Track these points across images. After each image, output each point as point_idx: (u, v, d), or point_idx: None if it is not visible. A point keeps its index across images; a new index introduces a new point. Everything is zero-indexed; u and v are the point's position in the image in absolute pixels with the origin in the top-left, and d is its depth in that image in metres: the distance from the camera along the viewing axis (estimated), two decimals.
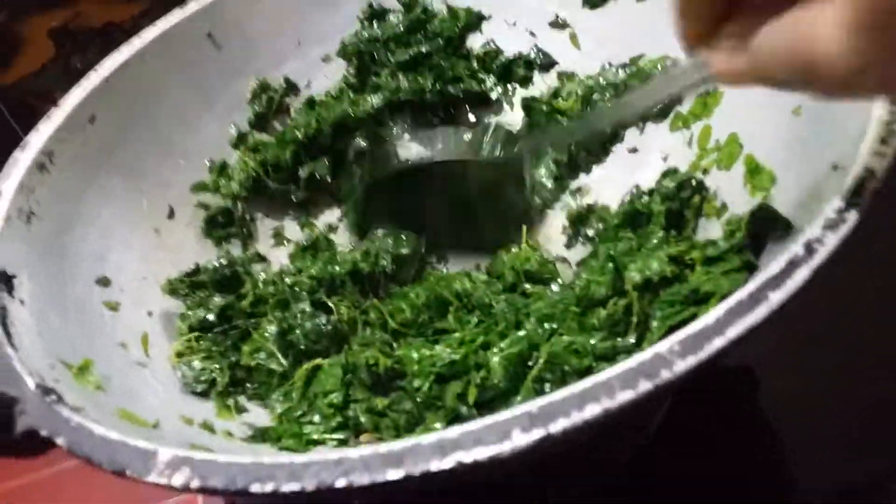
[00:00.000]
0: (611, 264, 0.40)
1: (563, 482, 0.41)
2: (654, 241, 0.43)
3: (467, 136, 0.54)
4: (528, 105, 0.59)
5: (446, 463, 0.25)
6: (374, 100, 0.60)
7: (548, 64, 0.61)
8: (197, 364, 0.44)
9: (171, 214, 0.54)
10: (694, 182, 0.46)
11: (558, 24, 0.60)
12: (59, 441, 0.31)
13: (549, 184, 0.55)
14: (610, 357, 0.37)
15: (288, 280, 0.50)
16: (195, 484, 0.27)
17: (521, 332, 0.40)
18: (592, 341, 0.38)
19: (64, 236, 0.46)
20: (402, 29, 0.63)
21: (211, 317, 0.47)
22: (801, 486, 0.46)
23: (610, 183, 0.54)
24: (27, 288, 0.40)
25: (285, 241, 0.58)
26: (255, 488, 0.26)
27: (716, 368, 0.27)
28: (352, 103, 0.59)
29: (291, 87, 0.63)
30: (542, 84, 0.61)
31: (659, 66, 0.53)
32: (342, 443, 0.39)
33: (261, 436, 0.40)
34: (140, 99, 0.54)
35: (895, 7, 0.21)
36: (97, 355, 0.39)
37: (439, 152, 0.53)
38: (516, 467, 0.28)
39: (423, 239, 0.55)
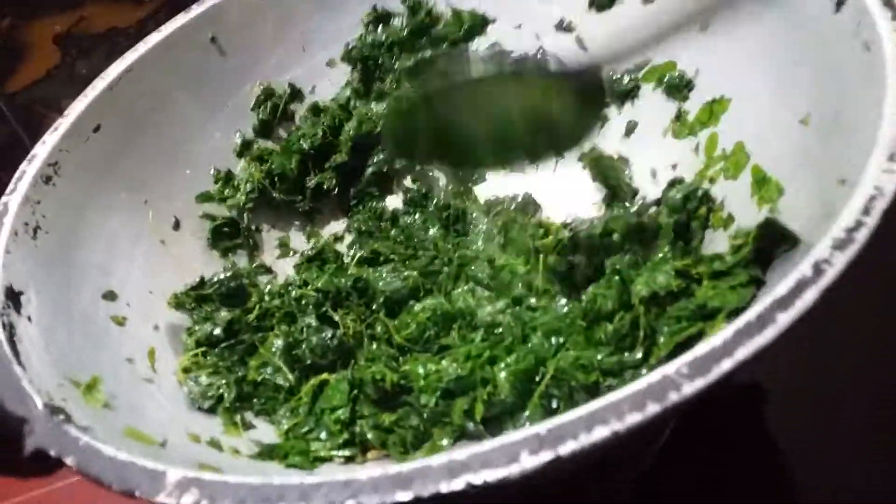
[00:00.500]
0: (617, 277, 0.40)
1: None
2: (661, 254, 0.43)
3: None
4: None
5: (456, 485, 0.25)
6: (379, 109, 0.60)
7: None
8: (204, 379, 0.44)
9: (177, 226, 0.54)
10: (700, 192, 0.46)
11: (564, 27, 0.60)
12: (69, 461, 0.31)
13: None
14: (617, 372, 0.37)
15: (294, 293, 0.50)
16: None
17: (528, 346, 0.40)
18: (599, 356, 0.38)
19: (70, 250, 0.46)
20: (406, 33, 0.63)
21: (217, 331, 0.47)
22: (807, 502, 0.46)
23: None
24: (34, 304, 0.40)
25: (291, 252, 0.58)
26: None
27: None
28: (360, 119, 0.60)
29: (296, 94, 0.63)
30: None
31: (667, 76, 0.52)
32: (349, 459, 0.40)
33: (268, 453, 0.40)
34: (144, 107, 0.55)
35: None
36: (104, 371, 0.39)
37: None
38: (525, 489, 0.28)
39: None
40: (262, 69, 0.62)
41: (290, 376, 0.44)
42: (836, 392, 0.49)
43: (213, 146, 0.59)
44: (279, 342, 0.46)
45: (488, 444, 0.26)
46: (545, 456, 0.25)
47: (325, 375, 0.44)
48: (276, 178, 0.58)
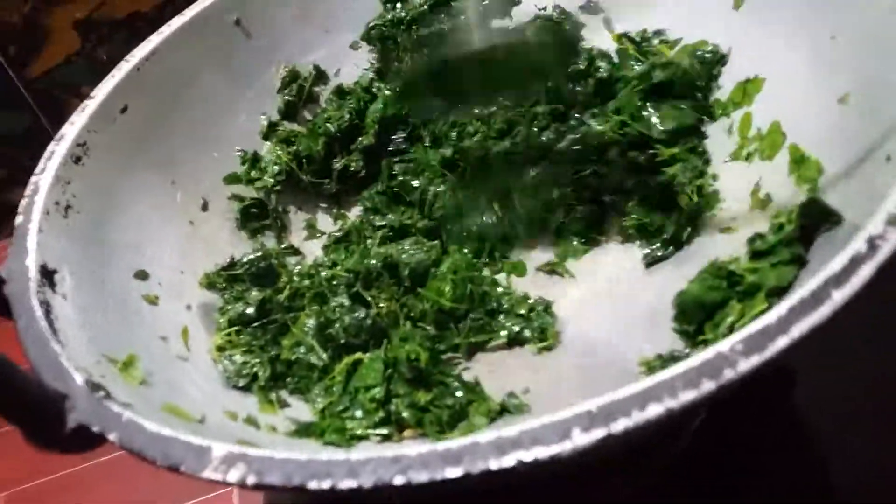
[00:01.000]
0: None
1: (603, 484, 0.41)
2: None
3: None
4: None
5: (506, 462, 0.25)
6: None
7: None
8: (238, 358, 0.44)
9: (205, 207, 0.54)
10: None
11: (590, 7, 0.60)
12: (111, 437, 0.31)
13: None
14: None
15: (324, 273, 0.50)
16: (251, 480, 0.27)
17: None
18: None
19: (101, 229, 0.45)
20: (426, 7, 0.62)
21: (250, 310, 0.47)
22: (837, 486, 0.45)
23: None
24: (68, 282, 0.40)
25: (318, 234, 0.58)
26: (313, 485, 0.26)
27: None
28: (385, 101, 0.59)
29: (321, 76, 0.63)
30: None
31: (698, 52, 0.52)
32: (385, 438, 0.39)
33: (304, 431, 0.40)
34: (171, 88, 0.54)
35: None
36: (139, 349, 0.39)
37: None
38: (570, 468, 0.27)
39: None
40: (287, 51, 0.62)
41: (324, 355, 0.44)
42: (864, 375, 0.48)
43: (239, 128, 0.58)
44: (311, 322, 0.46)
45: (538, 421, 0.26)
46: (597, 433, 0.25)
47: (358, 355, 0.44)
48: (303, 161, 0.58)
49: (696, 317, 0.39)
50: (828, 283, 0.26)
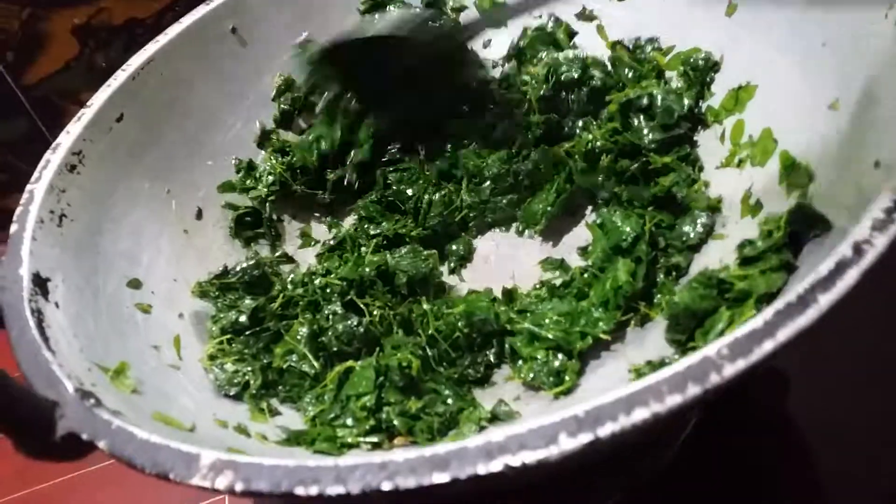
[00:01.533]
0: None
1: (595, 491, 0.41)
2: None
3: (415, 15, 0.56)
4: None
5: (493, 466, 0.25)
6: None
7: None
8: (229, 367, 0.44)
9: (200, 215, 0.54)
10: None
11: (585, 15, 0.60)
12: (101, 445, 0.31)
13: None
14: None
15: (317, 281, 0.50)
16: (239, 487, 0.27)
17: None
18: None
19: (95, 238, 0.46)
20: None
21: (242, 318, 0.47)
22: (831, 490, 0.45)
23: None
24: (61, 291, 0.40)
25: (312, 242, 0.58)
26: (300, 491, 0.26)
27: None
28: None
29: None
30: None
31: (691, 59, 0.52)
32: (376, 446, 0.39)
33: (295, 439, 0.40)
34: (166, 97, 0.55)
35: None
36: (131, 358, 0.39)
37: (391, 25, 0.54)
38: (557, 473, 0.27)
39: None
40: (282, 59, 0.62)
41: (316, 364, 0.44)
42: (857, 383, 0.48)
43: (235, 136, 0.59)
44: (304, 330, 0.46)
45: (525, 426, 0.26)
46: (584, 438, 0.25)
47: (350, 363, 0.44)
48: (297, 171, 0.58)
49: (687, 325, 0.39)
50: (814, 287, 0.27)
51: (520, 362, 0.44)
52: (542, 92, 0.57)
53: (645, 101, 0.52)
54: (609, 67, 0.57)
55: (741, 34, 0.49)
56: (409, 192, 0.57)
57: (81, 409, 0.32)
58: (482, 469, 0.25)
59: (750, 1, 0.49)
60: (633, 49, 0.56)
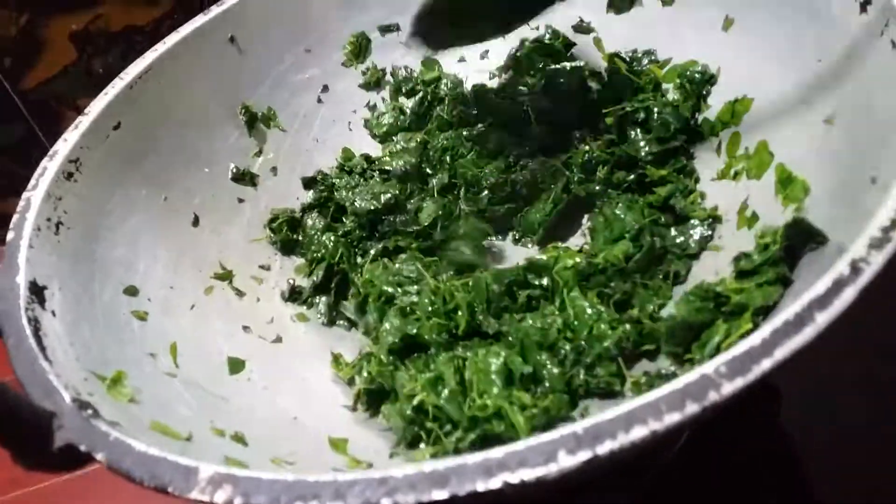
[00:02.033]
0: None
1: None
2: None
3: None
4: None
5: (492, 483, 0.25)
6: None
7: None
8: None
9: (196, 222, 0.54)
10: None
11: (582, 28, 0.60)
12: (99, 457, 0.31)
13: None
14: None
15: None
16: (238, 501, 0.27)
17: None
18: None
19: (92, 245, 0.46)
20: None
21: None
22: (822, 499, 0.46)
23: None
24: (58, 299, 0.40)
25: None
26: None
27: None
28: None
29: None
30: None
31: (688, 71, 0.52)
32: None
33: None
34: (164, 105, 0.55)
35: None
36: (128, 366, 0.39)
37: None
38: (556, 489, 0.28)
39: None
40: (280, 68, 0.62)
41: None
42: (850, 392, 0.48)
43: (232, 144, 0.59)
44: None
45: (524, 443, 0.26)
46: (583, 455, 0.25)
47: None
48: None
49: (684, 338, 0.39)
50: (811, 305, 0.27)
51: None
52: (539, 103, 0.57)
53: (642, 114, 0.52)
54: (606, 79, 0.57)
55: (738, 48, 0.50)
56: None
57: (79, 419, 0.32)
58: (481, 486, 0.25)
59: (746, 16, 0.49)
60: (630, 61, 0.56)
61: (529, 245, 0.56)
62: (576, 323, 0.43)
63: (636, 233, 0.47)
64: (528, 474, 0.25)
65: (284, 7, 0.61)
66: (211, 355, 0.46)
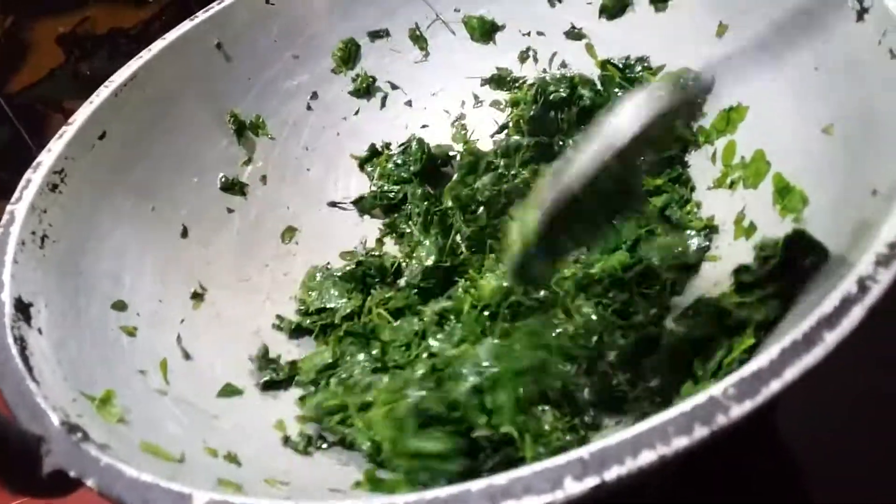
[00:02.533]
0: None
1: None
2: None
3: None
4: None
5: None
6: None
7: None
8: None
9: (185, 233, 0.53)
10: None
11: (574, 33, 0.60)
12: (89, 483, 0.30)
13: None
14: None
15: None
16: None
17: None
18: None
19: (78, 259, 0.44)
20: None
21: None
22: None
23: None
24: (44, 316, 0.39)
25: None
26: None
27: None
28: None
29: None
30: None
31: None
32: None
33: None
34: (150, 113, 0.53)
35: None
36: (117, 384, 0.38)
37: None
38: None
39: None
40: (268, 75, 0.61)
41: None
42: (847, 400, 0.48)
43: (221, 153, 0.58)
44: None
45: (530, 469, 0.25)
46: (590, 482, 0.24)
47: None
48: None
49: (686, 353, 0.38)
50: (820, 324, 0.26)
51: None
52: (530, 112, 0.56)
53: None
54: (598, 86, 0.56)
55: (732, 55, 0.49)
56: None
57: (68, 443, 0.31)
58: None
59: (740, 22, 0.49)
60: (623, 68, 0.56)
61: None
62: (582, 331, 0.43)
63: (632, 243, 0.47)
64: (533, 502, 0.24)
65: (271, 13, 0.60)
66: (202, 371, 0.45)
